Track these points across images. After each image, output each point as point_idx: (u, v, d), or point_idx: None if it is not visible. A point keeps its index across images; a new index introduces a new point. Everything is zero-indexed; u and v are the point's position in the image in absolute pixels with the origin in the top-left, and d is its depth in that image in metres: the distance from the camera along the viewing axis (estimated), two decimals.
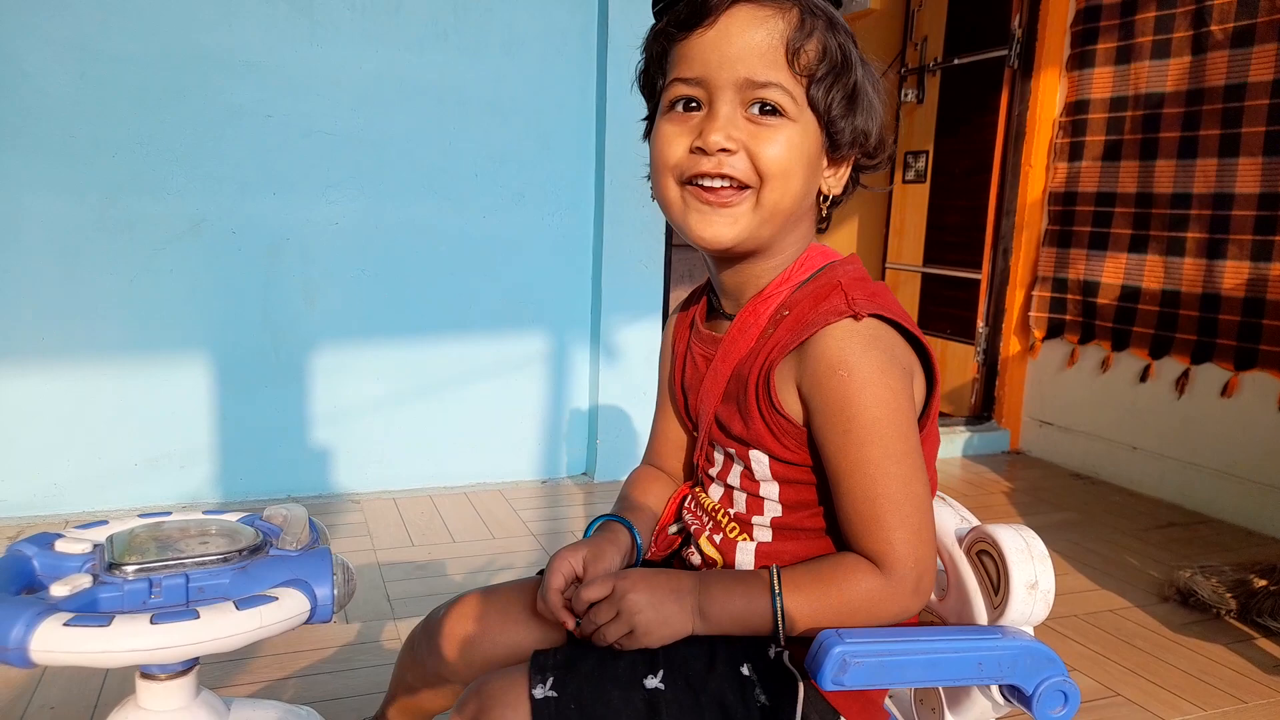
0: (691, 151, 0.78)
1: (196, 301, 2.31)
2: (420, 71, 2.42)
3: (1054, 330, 3.10)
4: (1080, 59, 2.97)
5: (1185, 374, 2.71)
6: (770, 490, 0.84)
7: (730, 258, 0.84)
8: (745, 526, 0.86)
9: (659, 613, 0.76)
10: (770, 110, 0.77)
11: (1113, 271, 2.89)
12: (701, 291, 0.97)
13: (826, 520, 0.83)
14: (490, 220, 2.56)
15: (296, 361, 2.43)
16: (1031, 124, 3.11)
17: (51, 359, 2.21)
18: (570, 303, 2.70)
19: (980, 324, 3.30)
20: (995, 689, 0.81)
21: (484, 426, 2.65)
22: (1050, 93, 3.08)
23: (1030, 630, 0.84)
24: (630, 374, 2.72)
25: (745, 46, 0.76)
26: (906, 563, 0.75)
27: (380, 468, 2.56)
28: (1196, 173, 2.64)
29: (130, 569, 0.74)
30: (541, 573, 0.95)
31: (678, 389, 0.95)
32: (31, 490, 2.24)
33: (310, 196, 2.37)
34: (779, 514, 0.84)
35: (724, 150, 0.77)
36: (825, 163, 0.83)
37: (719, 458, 0.88)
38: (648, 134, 0.87)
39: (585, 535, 0.91)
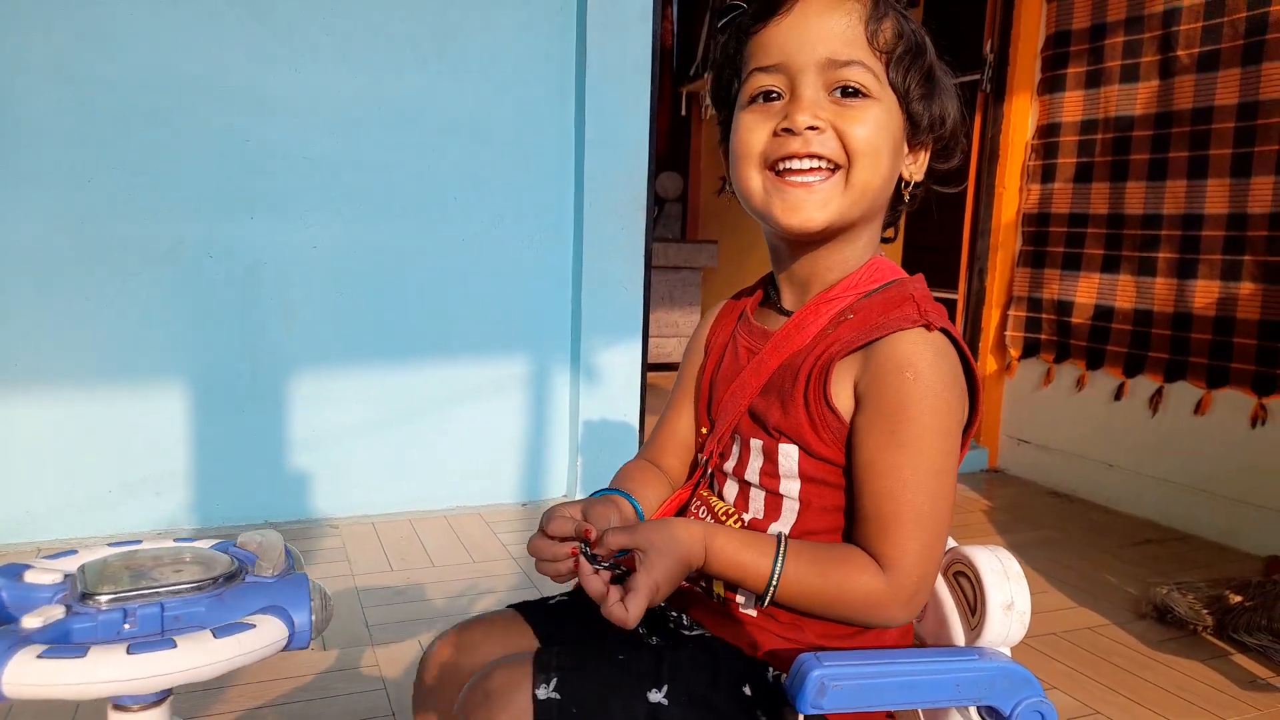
0: (776, 135, 0.78)
1: (173, 326, 2.29)
2: (399, 95, 2.43)
3: (1030, 349, 3.14)
4: (1051, 83, 3.03)
5: (1159, 392, 2.74)
6: (791, 488, 0.82)
7: (812, 242, 0.83)
8: None
9: (674, 576, 0.74)
10: (854, 92, 0.78)
11: (1086, 291, 2.93)
12: (756, 286, 0.96)
13: (840, 537, 0.82)
14: (470, 243, 2.56)
15: (275, 385, 2.42)
16: (1005, 146, 3.15)
17: (24, 384, 2.19)
18: (550, 325, 2.70)
19: None
20: (973, 710, 0.81)
21: (464, 449, 2.64)
22: (1023, 116, 3.13)
23: (1007, 651, 0.84)
24: (611, 396, 2.72)
25: (824, 28, 0.77)
26: (912, 574, 0.74)
27: (359, 492, 2.54)
28: (1166, 194, 2.69)
29: (104, 599, 0.73)
30: (511, 606, 0.95)
31: (705, 381, 0.93)
32: (3, 517, 2.21)
33: (289, 220, 2.37)
34: (795, 521, 0.82)
35: (812, 129, 0.77)
36: (906, 148, 0.84)
37: (737, 450, 0.86)
38: (724, 138, 0.86)
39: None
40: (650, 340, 2.77)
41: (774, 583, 0.74)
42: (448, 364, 2.59)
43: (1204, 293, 2.59)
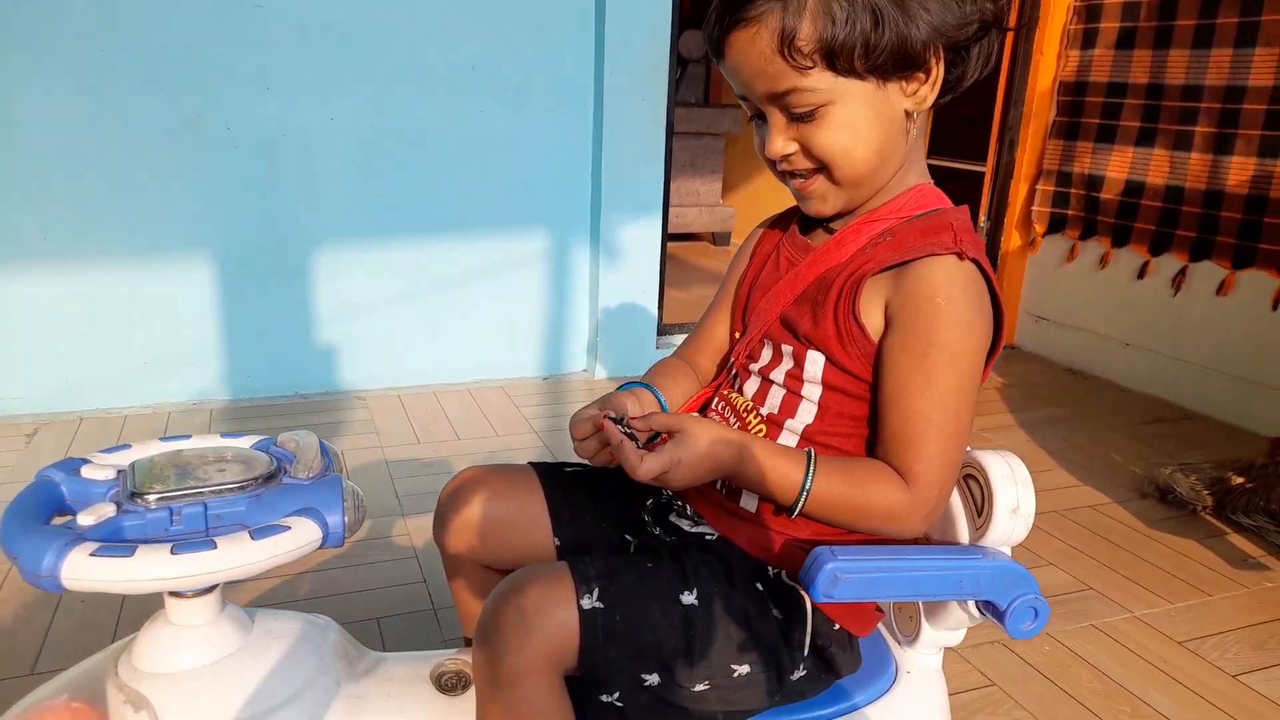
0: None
1: (197, 202, 2.30)
2: None
3: (1055, 225, 3.09)
4: None
5: (1183, 271, 2.71)
6: (812, 392, 0.85)
7: None
8: (774, 429, 0.87)
9: (699, 465, 0.78)
10: (804, 114, 0.78)
11: (1118, 166, 2.85)
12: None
13: (852, 443, 0.85)
14: (489, 117, 2.51)
15: (299, 261, 2.44)
16: (1046, 9, 3.00)
17: (57, 260, 2.22)
18: (570, 200, 2.68)
19: (982, 218, 3.28)
20: (972, 604, 0.86)
21: (486, 324, 2.68)
22: None
23: (1008, 550, 0.88)
24: (630, 271, 2.72)
25: (749, 69, 0.78)
26: (933, 488, 0.78)
27: (385, 365, 2.60)
28: (1210, 63, 2.57)
29: (152, 498, 0.78)
30: (530, 463, 1.01)
31: (745, 289, 0.96)
32: (47, 389, 2.29)
33: (306, 94, 2.32)
34: (810, 421, 0.85)
35: (783, 156, 0.82)
36: (902, 90, 0.79)
37: (767, 353, 0.89)
38: None
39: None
40: (670, 210, 2.75)
41: (806, 491, 0.78)
42: (469, 239, 2.59)
43: (1239, 169, 2.52)
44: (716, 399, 0.95)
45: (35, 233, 2.19)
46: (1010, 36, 3.09)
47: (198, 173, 2.28)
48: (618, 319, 2.75)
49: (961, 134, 3.46)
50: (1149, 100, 2.75)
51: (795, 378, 0.86)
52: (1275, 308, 2.48)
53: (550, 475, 0.98)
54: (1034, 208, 3.14)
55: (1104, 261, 2.95)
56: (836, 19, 0.73)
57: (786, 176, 0.85)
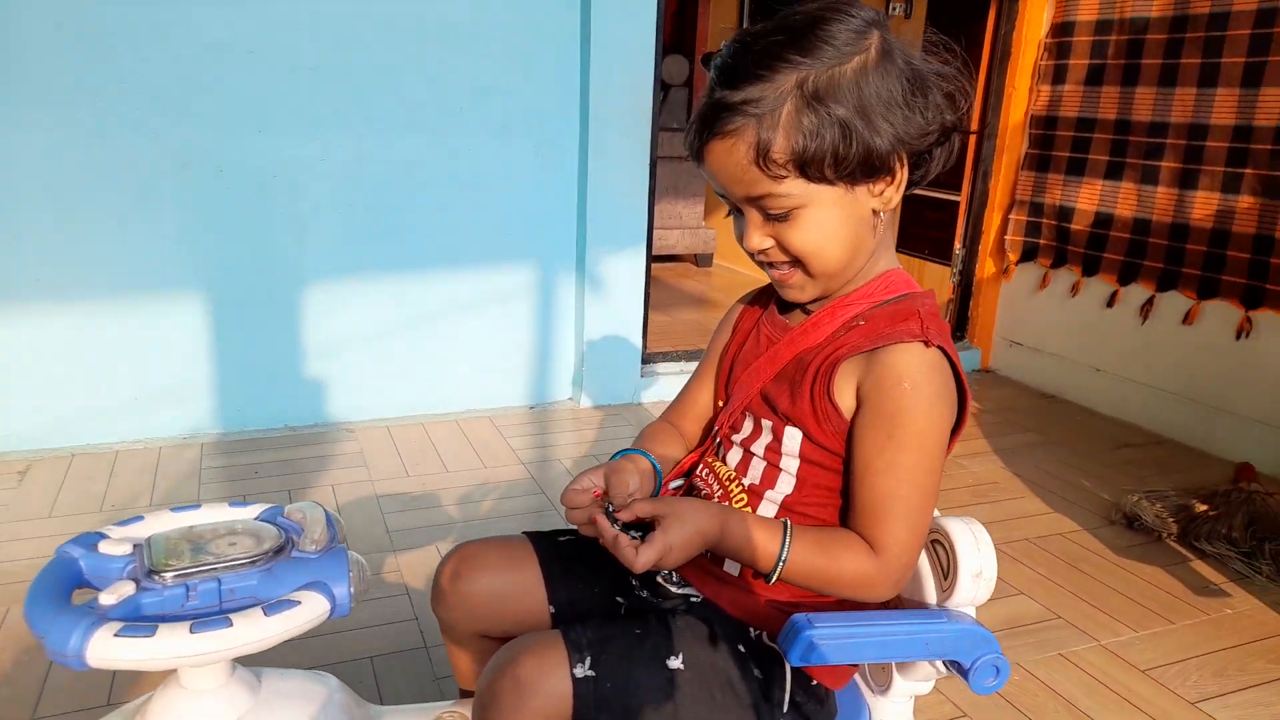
0: None
1: (188, 240, 2.34)
2: (402, 3, 2.39)
3: (1028, 254, 3.18)
4: None
5: (1150, 300, 2.80)
6: (790, 465, 0.91)
7: None
8: (755, 499, 0.93)
9: (690, 544, 0.82)
10: (779, 215, 0.84)
11: (1088, 198, 2.94)
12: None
13: (828, 512, 0.91)
14: (476, 153, 2.57)
15: (289, 296, 2.48)
16: (1017, 44, 3.09)
17: (49, 299, 2.26)
18: (556, 233, 2.73)
19: (958, 246, 3.36)
20: (939, 662, 0.92)
21: (473, 355, 2.73)
22: (1038, 13, 3.05)
23: (973, 611, 0.95)
24: (616, 302, 2.78)
25: (728, 176, 0.84)
26: (900, 559, 0.84)
27: (373, 397, 2.64)
28: (1175, 101, 2.67)
29: (169, 575, 0.82)
30: (525, 533, 1.07)
31: (727, 361, 1.02)
32: (37, 424, 2.32)
33: (296, 133, 2.37)
34: (789, 492, 0.91)
35: (761, 250, 0.88)
36: (870, 191, 0.85)
37: (749, 426, 0.95)
38: None
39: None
40: (654, 233, 2.81)
41: (782, 561, 0.84)
42: (456, 272, 2.64)
43: (1203, 204, 2.62)
44: (702, 465, 1.01)
45: (24, 271, 2.22)
46: (984, 69, 3.18)
47: (188, 212, 2.32)
48: (603, 349, 2.81)
49: None
50: (1117, 135, 2.84)
51: (774, 450, 0.92)
52: (1239, 337, 2.57)
53: (543, 544, 1.03)
54: (1007, 236, 3.23)
55: (1075, 290, 3.03)
56: (807, 133, 0.79)
57: (766, 266, 0.91)
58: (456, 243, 2.62)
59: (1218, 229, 2.58)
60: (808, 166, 0.80)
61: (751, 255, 0.91)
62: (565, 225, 2.74)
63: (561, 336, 2.83)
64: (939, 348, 0.86)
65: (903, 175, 0.85)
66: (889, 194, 0.86)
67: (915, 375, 0.84)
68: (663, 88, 4.95)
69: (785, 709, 0.88)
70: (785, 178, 0.81)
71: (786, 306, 0.99)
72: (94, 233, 2.25)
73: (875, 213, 0.87)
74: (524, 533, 1.06)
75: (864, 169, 0.82)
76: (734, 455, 0.97)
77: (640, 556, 0.79)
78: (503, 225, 2.66)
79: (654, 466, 0.98)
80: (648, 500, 0.85)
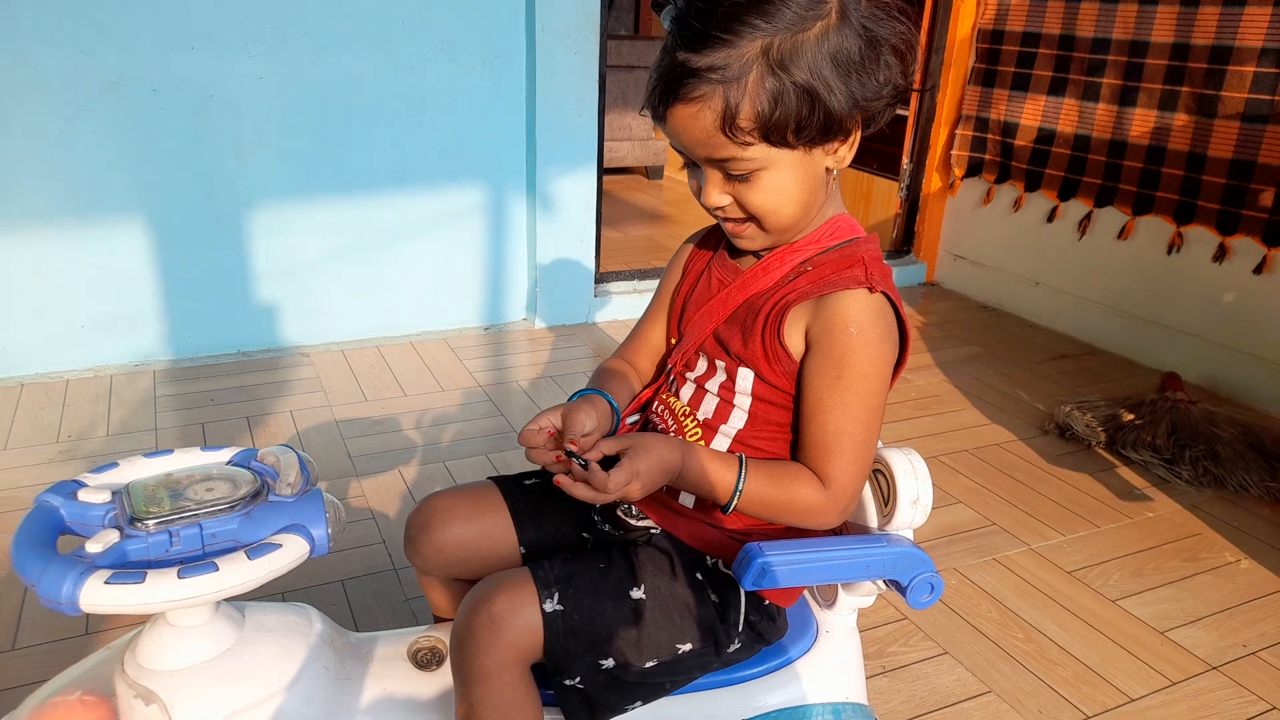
0: None
1: (125, 164, 2.27)
2: None
3: (973, 169, 3.23)
4: None
5: (1088, 216, 2.89)
6: (743, 402, 0.96)
7: None
8: (709, 433, 0.98)
9: (654, 473, 0.87)
10: (740, 176, 0.86)
11: (1031, 113, 2.99)
12: None
13: (778, 445, 0.97)
14: (420, 71, 2.51)
15: (234, 219, 2.44)
16: None
17: None
18: (506, 152, 2.71)
19: (905, 161, 3.40)
20: (880, 581, 1.00)
21: (426, 277, 2.72)
22: None
23: (910, 534, 1.02)
24: (567, 222, 2.78)
25: (691, 138, 0.85)
26: (846, 491, 0.91)
27: (327, 320, 2.64)
28: (1118, 17, 2.69)
29: (151, 523, 0.85)
30: (491, 478, 1.10)
31: (679, 301, 1.06)
32: None
33: (231, 50, 2.29)
34: (741, 426, 0.97)
35: (719, 207, 0.90)
36: (825, 152, 0.87)
37: (702, 365, 1.00)
38: None
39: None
40: (604, 145, 2.79)
41: (738, 492, 0.90)
42: (405, 194, 2.61)
43: (1141, 121, 2.68)
44: (656, 402, 1.06)
45: None
46: None
47: (124, 133, 2.25)
48: (556, 268, 2.82)
49: None
50: (1061, 50, 2.87)
51: (728, 389, 0.97)
52: (1170, 252, 2.67)
53: (510, 488, 1.07)
54: (953, 152, 3.27)
55: (1017, 205, 3.11)
56: (773, 100, 0.81)
57: (721, 219, 0.94)
58: (404, 163, 2.58)
59: (1154, 146, 2.65)
60: (771, 133, 0.83)
61: (709, 210, 0.93)
62: (515, 145, 2.71)
63: (514, 257, 2.83)
64: (883, 293, 0.90)
65: (857, 135, 0.88)
66: (843, 153, 0.89)
67: (861, 320, 0.88)
68: None
69: (740, 628, 0.95)
70: (751, 144, 0.83)
71: (737, 251, 1.02)
72: (25, 154, 2.17)
73: (829, 170, 0.90)
74: (490, 479, 1.10)
75: (823, 132, 0.84)
76: (687, 390, 1.01)
77: (611, 479, 0.83)
78: (451, 144, 2.62)
79: (612, 406, 1.01)
80: (610, 439, 0.90)
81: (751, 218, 0.91)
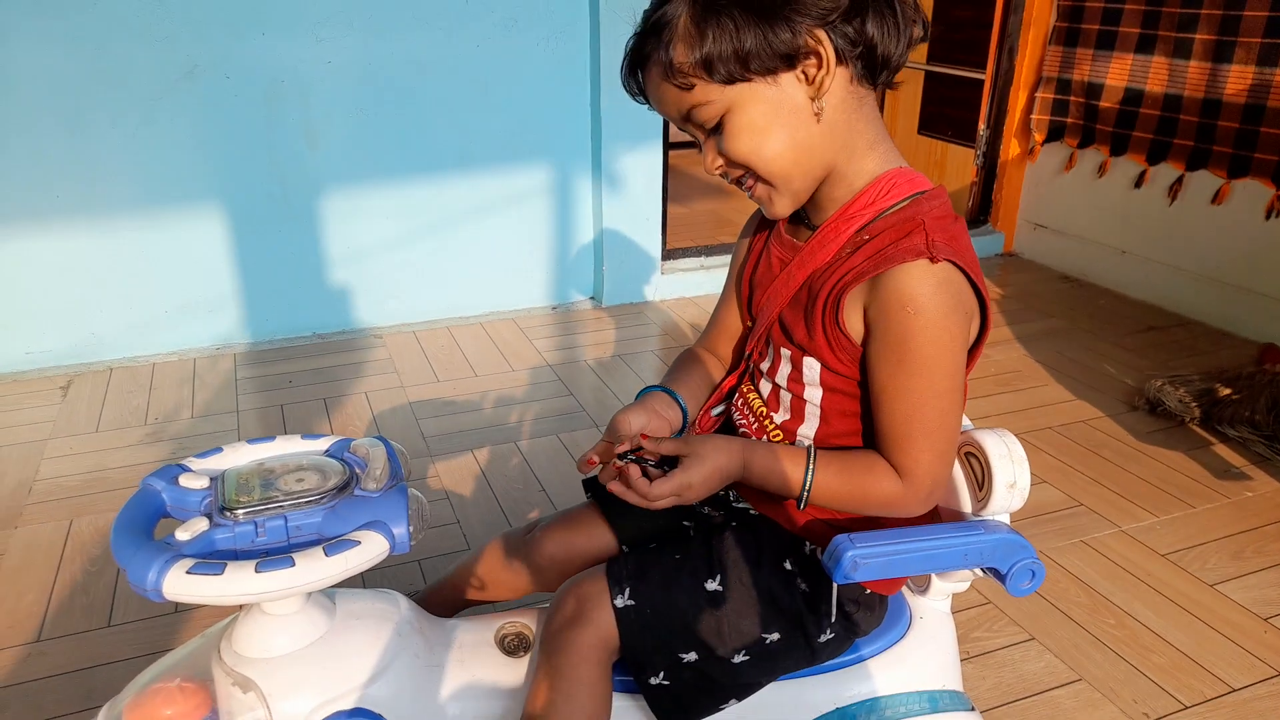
0: None
1: (201, 150, 2.32)
2: None
3: (1054, 133, 3.10)
4: None
5: (1179, 180, 2.75)
6: (814, 395, 0.92)
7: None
8: (789, 438, 0.95)
9: (709, 482, 0.87)
10: (713, 128, 0.84)
11: (1118, 73, 2.85)
12: None
13: (857, 441, 0.93)
14: (484, 49, 2.50)
15: (306, 203, 2.47)
16: None
17: (68, 215, 2.26)
18: (571, 129, 2.68)
19: (982, 126, 3.28)
20: (978, 569, 0.96)
21: (493, 257, 2.73)
22: None
23: (1007, 518, 0.98)
24: (632, 199, 2.76)
25: (659, 103, 0.86)
26: (925, 480, 0.86)
27: (398, 302, 2.66)
28: None
29: (240, 513, 0.86)
30: (588, 493, 1.11)
31: (745, 282, 1.02)
32: (75, 341, 2.37)
33: (300, 35, 2.31)
34: (817, 426, 0.93)
35: (717, 170, 0.88)
36: (798, 80, 0.81)
37: (771, 355, 0.96)
38: None
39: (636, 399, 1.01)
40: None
41: (807, 490, 0.87)
42: (471, 174, 2.61)
43: (1237, 78, 2.53)
44: (737, 395, 1.02)
45: (38, 188, 2.21)
46: None
47: (199, 120, 2.29)
48: (622, 245, 2.80)
49: (961, 40, 3.42)
50: (1149, 6, 2.72)
51: (797, 381, 0.93)
52: (1269, 217, 2.53)
53: (604, 493, 1.07)
54: (1033, 115, 3.14)
55: (1102, 170, 2.98)
56: (703, 34, 0.78)
57: (739, 187, 0.90)
58: (470, 143, 2.58)
59: (1251, 104, 2.50)
60: (713, 67, 0.79)
61: (717, 177, 0.91)
62: (579, 121, 2.69)
63: (580, 234, 2.81)
64: (948, 260, 0.82)
65: (829, 55, 0.79)
66: (820, 78, 0.80)
67: (919, 297, 0.81)
68: None
69: (833, 618, 0.93)
70: (694, 84, 0.80)
71: (793, 225, 0.97)
72: (106, 145, 2.23)
73: (813, 100, 0.82)
74: (588, 496, 1.10)
75: (774, 56, 0.79)
76: (764, 387, 0.98)
77: (654, 489, 0.83)
78: (515, 122, 2.61)
79: (679, 403, 0.99)
80: (672, 440, 0.88)
81: (751, 173, 0.86)
